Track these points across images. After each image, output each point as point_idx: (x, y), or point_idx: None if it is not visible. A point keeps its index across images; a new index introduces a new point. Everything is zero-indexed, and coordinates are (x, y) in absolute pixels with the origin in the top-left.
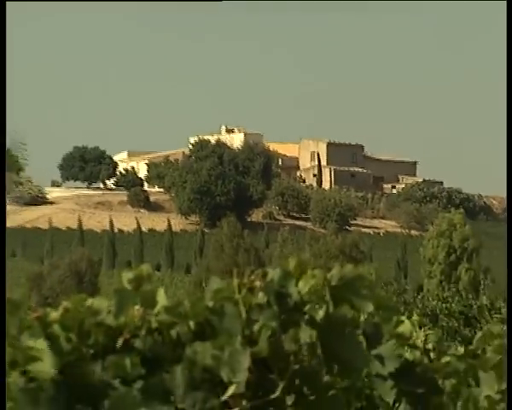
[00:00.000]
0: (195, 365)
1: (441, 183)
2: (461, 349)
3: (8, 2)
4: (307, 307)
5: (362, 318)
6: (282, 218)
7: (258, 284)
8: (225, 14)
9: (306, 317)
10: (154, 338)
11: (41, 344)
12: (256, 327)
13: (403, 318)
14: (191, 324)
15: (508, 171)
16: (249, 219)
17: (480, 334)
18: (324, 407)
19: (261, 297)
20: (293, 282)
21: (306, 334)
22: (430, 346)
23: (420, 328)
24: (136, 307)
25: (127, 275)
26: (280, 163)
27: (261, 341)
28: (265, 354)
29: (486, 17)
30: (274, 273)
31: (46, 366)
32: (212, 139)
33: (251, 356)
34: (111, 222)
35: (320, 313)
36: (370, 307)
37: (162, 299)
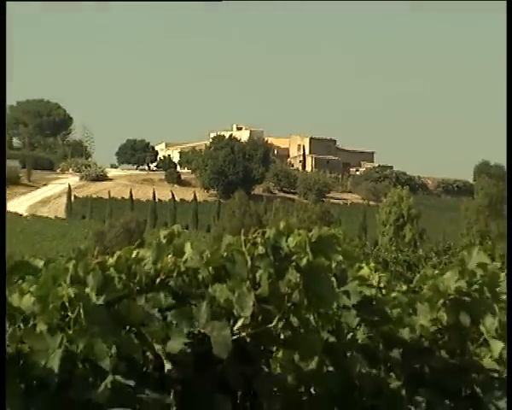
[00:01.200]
0: (215, 301)
1: (391, 167)
2: (404, 287)
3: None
4: (294, 257)
5: (333, 265)
6: (276, 192)
7: (259, 239)
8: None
9: (293, 264)
10: (183, 279)
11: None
12: (259, 273)
13: (363, 265)
14: (210, 269)
15: (508, 171)
16: (253, 193)
17: (418, 276)
18: (305, 336)
19: (261, 249)
20: (283, 238)
21: (294, 276)
22: (382, 285)
23: (375, 272)
24: (170, 256)
25: (163, 232)
26: (275, 152)
27: (263, 285)
28: (266, 294)
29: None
30: (270, 232)
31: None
32: (227, 135)
33: (255, 296)
34: (153, 194)
35: (303, 261)
36: (339, 258)
37: (189, 250)
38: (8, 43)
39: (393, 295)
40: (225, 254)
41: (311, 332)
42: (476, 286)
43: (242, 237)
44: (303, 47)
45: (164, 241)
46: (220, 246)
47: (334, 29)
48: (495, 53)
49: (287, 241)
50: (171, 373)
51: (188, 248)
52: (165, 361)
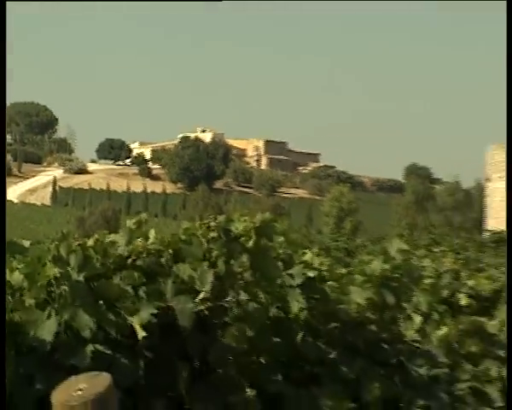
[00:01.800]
0: (179, 278)
1: (334, 167)
2: (343, 270)
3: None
4: (242, 239)
5: (280, 251)
6: (234, 186)
7: (212, 224)
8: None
9: (241, 246)
10: (150, 260)
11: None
12: (214, 253)
13: (306, 251)
14: (170, 250)
15: (508, 171)
16: (214, 187)
17: (355, 261)
18: (254, 310)
19: (214, 233)
20: (233, 223)
21: (243, 257)
22: (324, 268)
23: (317, 256)
24: (139, 239)
25: (132, 220)
26: (234, 152)
27: (219, 264)
28: (222, 273)
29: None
30: (221, 218)
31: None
32: (192, 136)
33: (213, 274)
34: (128, 186)
35: (250, 243)
36: (280, 238)
37: (152, 234)
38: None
39: (334, 277)
40: (183, 237)
41: (259, 307)
42: (398, 270)
43: (198, 223)
44: (258, 59)
45: (133, 226)
46: (179, 230)
47: (288, 42)
48: (424, 65)
49: (236, 226)
50: (141, 342)
51: (152, 233)
52: (137, 330)
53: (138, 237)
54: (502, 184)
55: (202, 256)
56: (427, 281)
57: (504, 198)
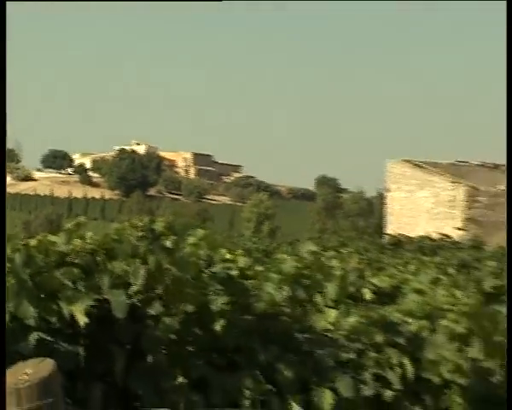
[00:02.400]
0: (114, 273)
1: (254, 177)
2: (261, 268)
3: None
4: (162, 238)
5: (202, 252)
6: (166, 193)
7: (140, 224)
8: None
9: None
10: (87, 258)
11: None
12: (141, 250)
13: (226, 251)
14: (104, 249)
15: (508, 170)
16: (148, 194)
17: (271, 260)
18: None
19: (140, 232)
20: (156, 224)
21: (163, 253)
22: (245, 266)
23: (237, 256)
24: (77, 239)
25: (71, 223)
26: (166, 163)
27: (150, 261)
28: (153, 269)
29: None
30: (146, 219)
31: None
32: (128, 148)
33: (145, 269)
34: (69, 193)
35: (167, 243)
36: (192, 239)
37: (89, 236)
38: None
39: (251, 272)
40: (115, 237)
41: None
42: (308, 268)
43: (126, 223)
44: (186, 76)
45: (72, 228)
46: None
47: (210, 57)
48: (330, 83)
49: (157, 226)
50: (81, 330)
51: (88, 234)
52: (79, 317)
53: (77, 238)
54: (399, 194)
55: (132, 253)
56: (336, 279)
57: (403, 206)
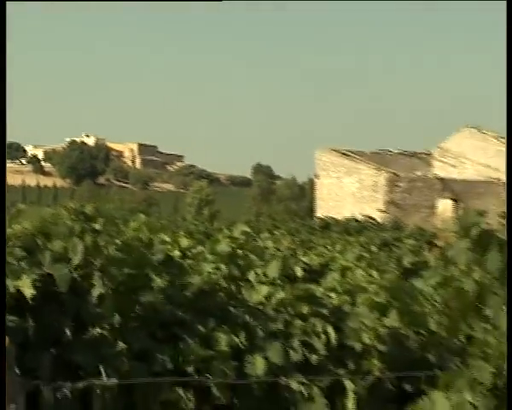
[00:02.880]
0: (55, 251)
1: (195, 166)
2: (202, 248)
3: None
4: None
5: (142, 235)
6: (114, 181)
7: (72, 208)
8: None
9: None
10: (30, 239)
11: None
12: (76, 231)
13: (165, 234)
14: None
15: (507, 171)
16: (97, 182)
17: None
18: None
19: (74, 216)
20: (86, 208)
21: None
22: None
23: (180, 238)
24: (17, 225)
25: (15, 209)
26: (114, 154)
27: (86, 240)
28: (90, 247)
29: None
30: (77, 204)
31: None
32: (78, 140)
33: (84, 247)
34: (23, 181)
35: (97, 225)
36: (134, 224)
37: (29, 219)
38: None
39: (194, 252)
40: (50, 220)
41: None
42: (242, 248)
43: (62, 208)
44: (134, 71)
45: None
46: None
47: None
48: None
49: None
50: (28, 304)
51: (27, 219)
52: (25, 290)
53: (19, 223)
54: (327, 180)
55: (68, 233)
56: (270, 257)
57: (331, 191)
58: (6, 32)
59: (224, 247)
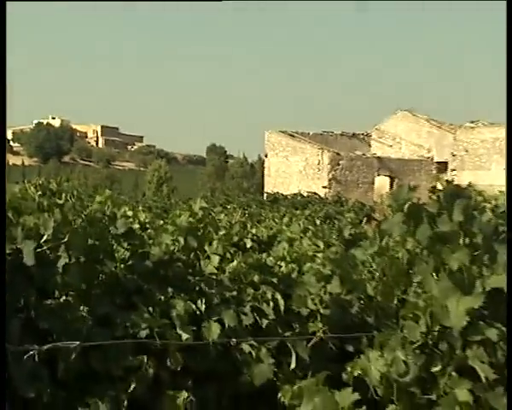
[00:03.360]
0: (26, 226)
1: (155, 146)
2: (162, 222)
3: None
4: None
5: (106, 208)
6: (79, 160)
7: (38, 184)
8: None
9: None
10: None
11: None
12: (45, 206)
13: (127, 208)
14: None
15: (507, 171)
16: (63, 161)
17: (168, 215)
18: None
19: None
20: (51, 184)
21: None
22: (147, 221)
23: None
24: None
25: None
26: (78, 135)
27: (56, 213)
28: (59, 221)
29: None
30: (43, 180)
31: None
32: (45, 122)
33: (54, 221)
34: None
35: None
36: (99, 198)
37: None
38: None
39: (155, 224)
40: (19, 195)
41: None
42: (200, 222)
43: (29, 184)
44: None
45: None
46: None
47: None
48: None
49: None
50: None
51: None
52: None
53: None
54: (275, 159)
55: (37, 208)
56: (222, 230)
57: (278, 169)
58: (6, 32)
59: (182, 220)
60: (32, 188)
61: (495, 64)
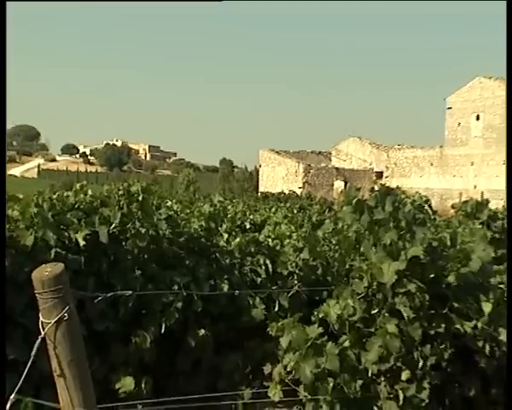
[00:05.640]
0: (103, 215)
1: (184, 158)
2: (189, 211)
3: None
4: (135, 196)
5: (154, 201)
6: (133, 169)
7: (121, 187)
8: None
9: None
10: (88, 205)
11: None
12: (122, 202)
13: (169, 202)
14: (99, 200)
15: (508, 171)
16: (123, 169)
17: (194, 206)
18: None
19: (121, 191)
20: (132, 188)
21: (136, 205)
22: (179, 210)
23: (176, 204)
24: (82, 195)
25: (78, 185)
26: (132, 151)
27: (124, 207)
28: (126, 212)
29: None
30: (125, 184)
31: None
32: (111, 142)
33: (120, 213)
34: (77, 168)
35: (140, 198)
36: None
37: (89, 193)
38: None
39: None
40: (105, 194)
41: (143, 231)
42: (217, 210)
43: (113, 187)
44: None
45: (78, 188)
46: None
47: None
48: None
49: (133, 188)
50: (81, 248)
51: (89, 191)
52: (80, 241)
53: (82, 194)
54: (266, 169)
55: (116, 203)
56: (230, 215)
57: (268, 175)
58: (6, 32)
59: (205, 209)
60: (114, 190)
61: (418, 100)
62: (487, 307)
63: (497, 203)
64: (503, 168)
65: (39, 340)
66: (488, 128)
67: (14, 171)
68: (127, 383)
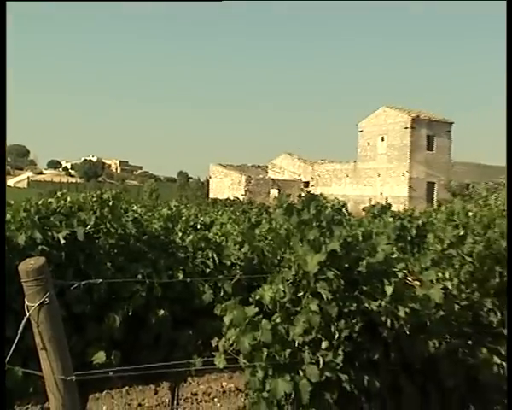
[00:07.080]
0: (80, 218)
1: (148, 171)
2: (150, 214)
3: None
4: (107, 201)
5: (123, 205)
6: (107, 180)
7: (94, 195)
8: None
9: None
10: (67, 210)
11: None
12: (95, 207)
13: (134, 206)
14: (76, 206)
15: (508, 171)
16: (98, 180)
17: (156, 210)
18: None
19: (94, 198)
20: (104, 195)
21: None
22: (140, 213)
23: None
24: (62, 201)
25: (59, 193)
26: (106, 165)
27: (97, 211)
28: (99, 215)
29: None
30: (98, 192)
31: None
32: (88, 158)
33: (94, 216)
34: (60, 180)
35: (110, 203)
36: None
37: (68, 199)
38: None
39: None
40: (81, 200)
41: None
42: (173, 213)
43: (88, 194)
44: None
45: (59, 196)
46: None
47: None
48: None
49: (105, 196)
50: (61, 245)
51: (68, 198)
52: (61, 239)
53: (62, 200)
54: (215, 179)
55: (91, 208)
56: (184, 217)
57: (217, 185)
58: (6, 32)
59: (164, 212)
60: (88, 197)
61: (336, 122)
62: (389, 290)
63: (398, 207)
64: (402, 179)
65: (25, 320)
66: (391, 147)
67: (8, 182)
68: (100, 356)
